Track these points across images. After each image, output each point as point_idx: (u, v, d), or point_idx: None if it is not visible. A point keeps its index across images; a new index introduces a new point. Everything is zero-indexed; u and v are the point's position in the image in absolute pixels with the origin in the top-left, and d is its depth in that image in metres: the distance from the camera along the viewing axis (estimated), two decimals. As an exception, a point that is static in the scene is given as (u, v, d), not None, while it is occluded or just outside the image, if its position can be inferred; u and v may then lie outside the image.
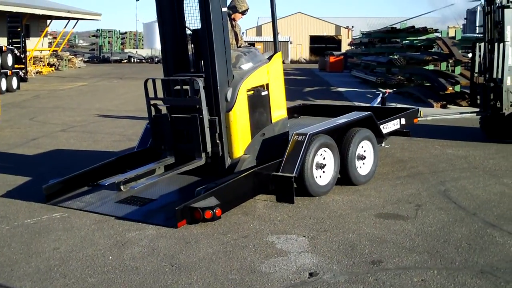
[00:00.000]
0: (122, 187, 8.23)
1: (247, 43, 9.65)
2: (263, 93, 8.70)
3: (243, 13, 9.31)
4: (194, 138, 8.13)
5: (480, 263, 5.84)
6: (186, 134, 8.30)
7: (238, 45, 9.22)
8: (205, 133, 8.03)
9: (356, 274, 5.63)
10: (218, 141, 8.13)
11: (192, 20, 8.58)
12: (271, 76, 8.82)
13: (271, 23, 8.95)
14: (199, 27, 8.37)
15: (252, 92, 8.54)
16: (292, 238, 6.64)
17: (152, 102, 8.60)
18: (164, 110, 8.68)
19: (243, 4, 9.22)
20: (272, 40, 9.07)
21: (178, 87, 8.28)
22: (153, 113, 8.62)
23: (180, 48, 8.67)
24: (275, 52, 8.99)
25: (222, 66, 8.06)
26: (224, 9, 8.14)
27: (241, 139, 8.30)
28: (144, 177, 8.38)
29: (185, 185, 8.35)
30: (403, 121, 10.65)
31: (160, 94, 8.56)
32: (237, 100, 8.18)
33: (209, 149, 8.12)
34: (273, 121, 8.84)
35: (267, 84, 8.77)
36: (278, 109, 8.97)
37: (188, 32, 8.64)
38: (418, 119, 11.40)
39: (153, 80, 8.42)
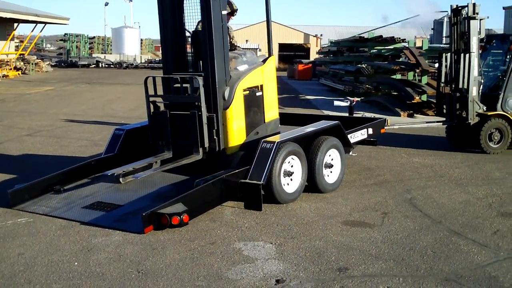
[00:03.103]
0: (121, 179, 8.44)
1: (239, 46, 9.90)
2: (257, 94, 9.04)
3: (233, 13, 9.49)
4: (192, 134, 8.41)
5: (445, 271, 5.91)
6: (184, 130, 8.55)
7: (232, 47, 9.37)
8: (203, 129, 8.33)
9: (323, 281, 5.66)
10: (215, 137, 8.42)
11: (191, 22, 8.94)
12: (265, 78, 9.17)
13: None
14: (198, 29, 8.78)
15: (248, 92, 8.84)
16: (259, 245, 6.65)
17: (151, 99, 8.80)
18: (162, 107, 8.93)
19: (232, 5, 9.39)
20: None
21: (178, 85, 8.54)
22: (152, 110, 8.84)
23: (179, 49, 8.96)
24: (269, 55, 9.35)
25: (220, 66, 8.36)
26: (224, 12, 8.47)
27: (237, 136, 8.62)
28: (142, 171, 8.58)
29: (152, 190, 8.34)
30: (370, 131, 10.77)
31: (159, 92, 8.84)
32: (234, 99, 8.50)
33: (206, 144, 8.41)
34: (266, 121, 9.18)
35: (261, 85, 9.11)
36: (271, 109, 9.31)
37: (187, 33, 8.96)
38: (385, 128, 11.50)
39: (153, 78, 8.73)
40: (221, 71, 8.40)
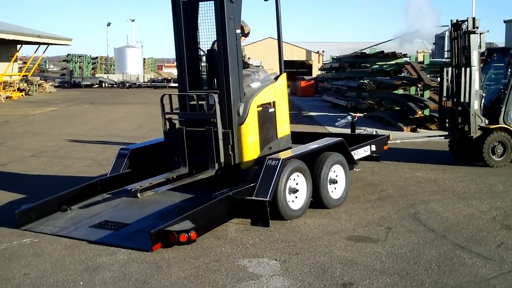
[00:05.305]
0: (138, 194, 8.59)
1: (252, 64, 10.08)
2: (270, 110, 9.22)
3: (246, 35, 9.64)
4: (208, 150, 8.61)
5: (450, 285, 5.92)
6: (200, 146, 8.75)
7: (244, 65, 9.47)
8: (219, 144, 8.53)
9: (328, 297, 5.67)
10: (230, 152, 8.59)
11: (205, 41, 9.14)
12: (277, 94, 9.36)
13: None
14: (213, 48, 8.98)
15: (261, 108, 9.02)
16: (264, 261, 6.67)
17: (167, 116, 9.05)
18: (177, 124, 9.12)
19: (246, 27, 9.50)
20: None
21: (194, 102, 8.76)
22: (167, 127, 9.09)
23: (194, 67, 9.14)
24: (281, 73, 9.53)
25: (235, 83, 8.58)
26: (238, 31, 8.67)
27: (251, 151, 8.77)
28: (159, 186, 8.70)
29: (159, 209, 8.36)
30: (373, 147, 10.83)
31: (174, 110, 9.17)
32: (248, 115, 8.70)
33: (222, 159, 8.59)
34: (278, 137, 9.36)
35: (273, 102, 9.29)
36: (283, 125, 9.51)
37: (201, 53, 9.18)
38: (388, 142, 11.51)
39: (170, 96, 9.09)
40: (235, 88, 8.60)
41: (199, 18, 9.10)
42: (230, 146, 8.60)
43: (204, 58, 9.20)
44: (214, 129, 8.51)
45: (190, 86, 8.99)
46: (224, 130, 8.57)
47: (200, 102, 8.78)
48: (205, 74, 9.20)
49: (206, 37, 9.10)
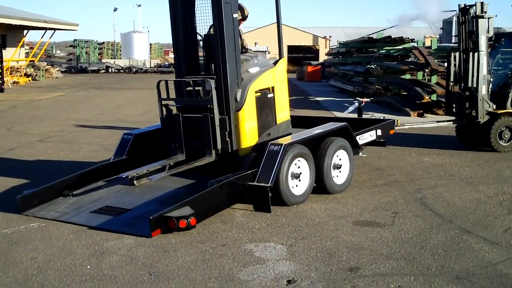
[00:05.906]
0: (135, 181, 8.58)
1: (251, 49, 9.98)
2: (269, 95, 9.06)
3: (244, 19, 9.56)
4: (204, 136, 8.51)
5: (456, 269, 5.91)
6: (197, 133, 8.66)
7: (243, 50, 9.41)
8: (216, 131, 8.42)
9: (334, 281, 5.67)
10: (227, 139, 8.48)
11: (202, 25, 9.02)
12: (276, 79, 9.20)
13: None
14: (210, 33, 8.87)
15: (259, 94, 8.88)
16: (270, 246, 6.67)
17: (163, 102, 8.94)
18: (174, 110, 9.02)
19: (245, 10, 9.44)
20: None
21: (190, 88, 8.64)
22: (164, 113, 8.99)
23: (191, 53, 9.07)
24: (280, 57, 9.37)
25: (232, 69, 8.44)
26: (235, 15, 8.54)
27: (249, 137, 8.65)
28: (156, 173, 8.70)
29: (160, 194, 8.36)
30: (379, 132, 10.73)
31: (171, 95, 8.98)
32: (246, 101, 8.57)
33: (219, 146, 8.49)
34: (277, 122, 9.20)
35: (272, 87, 9.14)
36: (282, 111, 9.33)
37: (199, 37, 9.07)
38: (395, 128, 11.46)
39: (166, 82, 8.87)
40: (233, 73, 8.47)
41: (195, 2, 8.98)
42: (227, 132, 8.47)
43: (201, 43, 9.09)
44: (210, 115, 8.39)
45: (187, 71, 8.92)
46: (221, 116, 8.45)
47: (196, 88, 8.67)
48: (203, 60, 9.09)
49: (204, 21, 8.98)
